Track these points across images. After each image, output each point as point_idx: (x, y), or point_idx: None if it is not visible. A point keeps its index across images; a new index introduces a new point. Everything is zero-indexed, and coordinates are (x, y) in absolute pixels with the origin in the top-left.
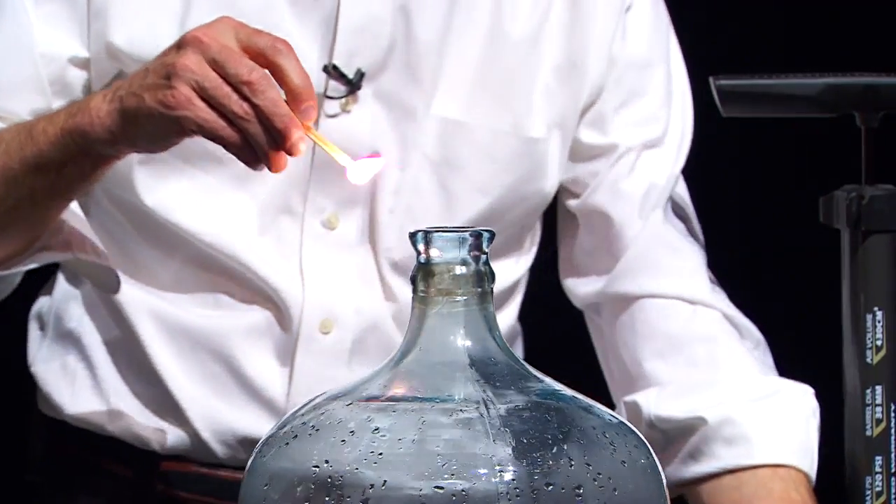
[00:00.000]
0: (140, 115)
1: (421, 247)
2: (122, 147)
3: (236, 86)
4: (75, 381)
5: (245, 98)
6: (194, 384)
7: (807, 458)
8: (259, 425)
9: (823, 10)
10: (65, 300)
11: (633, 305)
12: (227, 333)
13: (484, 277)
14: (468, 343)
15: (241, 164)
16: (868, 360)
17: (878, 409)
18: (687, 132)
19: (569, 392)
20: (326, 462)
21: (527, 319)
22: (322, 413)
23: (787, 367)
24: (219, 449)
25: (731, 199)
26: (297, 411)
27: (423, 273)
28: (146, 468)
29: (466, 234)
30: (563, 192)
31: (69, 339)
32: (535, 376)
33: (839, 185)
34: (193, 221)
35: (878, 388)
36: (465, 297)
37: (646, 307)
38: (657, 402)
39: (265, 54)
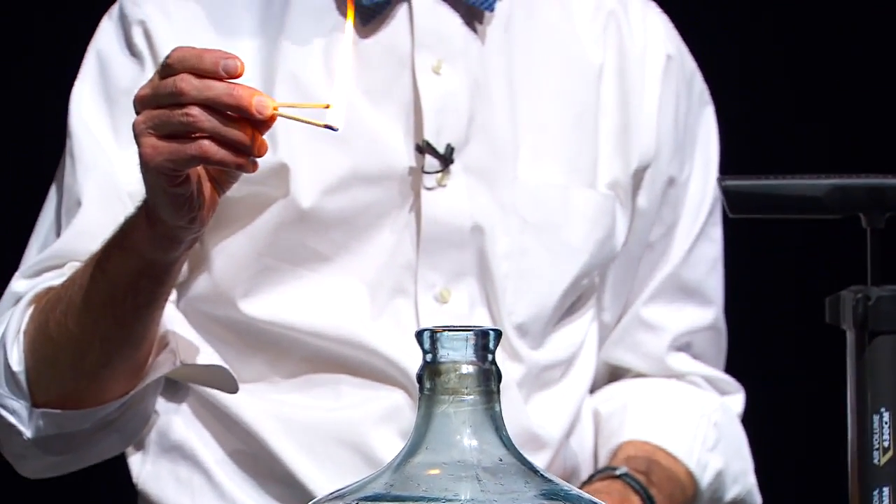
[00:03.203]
0: (147, 194)
1: (427, 346)
2: (164, 237)
3: (173, 104)
4: (193, 492)
5: (185, 104)
6: (330, 478)
7: (672, 440)
8: None
9: (829, 112)
10: (164, 417)
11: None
12: (356, 422)
13: (491, 377)
14: (475, 443)
15: (346, 255)
16: (875, 461)
17: None
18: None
19: (575, 492)
20: None
21: None
22: None
23: (792, 465)
24: None
25: (738, 299)
26: None
27: (429, 372)
28: None
29: (473, 334)
30: None
31: (176, 453)
32: (542, 476)
33: (845, 285)
34: (310, 320)
35: (886, 490)
36: (471, 397)
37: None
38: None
39: (180, 69)
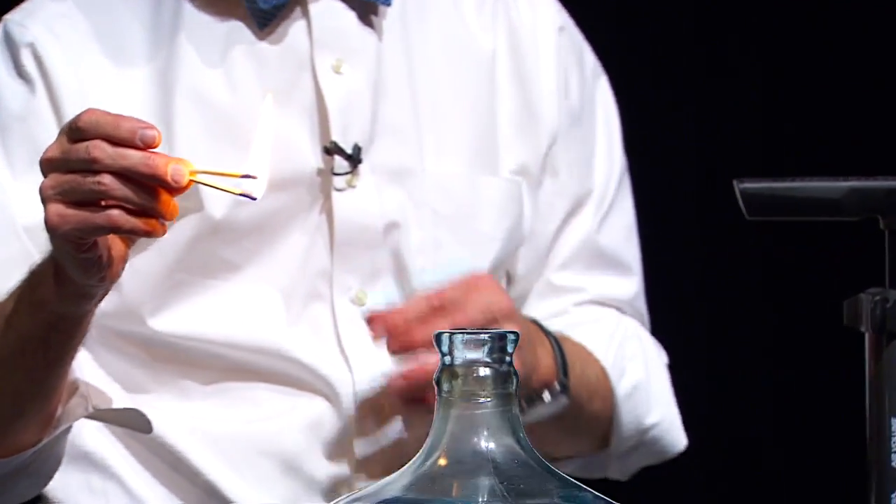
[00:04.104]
0: (54, 254)
1: (444, 348)
2: (73, 294)
3: (85, 170)
4: (108, 501)
5: (98, 172)
6: (252, 488)
7: (590, 339)
8: None
9: (847, 114)
10: (73, 425)
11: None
12: (277, 432)
13: (508, 379)
14: (492, 445)
15: (259, 263)
16: (893, 464)
17: None
18: (607, 194)
19: (591, 493)
20: None
21: None
22: None
23: (810, 470)
24: None
25: (755, 302)
26: None
27: (446, 374)
28: None
29: (489, 336)
30: None
31: (87, 461)
32: (560, 478)
33: (863, 288)
34: (223, 331)
35: None
36: (488, 399)
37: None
38: None
39: (93, 134)
